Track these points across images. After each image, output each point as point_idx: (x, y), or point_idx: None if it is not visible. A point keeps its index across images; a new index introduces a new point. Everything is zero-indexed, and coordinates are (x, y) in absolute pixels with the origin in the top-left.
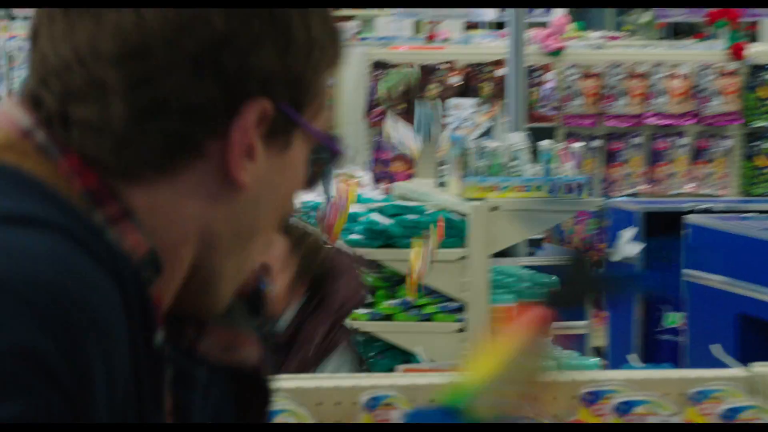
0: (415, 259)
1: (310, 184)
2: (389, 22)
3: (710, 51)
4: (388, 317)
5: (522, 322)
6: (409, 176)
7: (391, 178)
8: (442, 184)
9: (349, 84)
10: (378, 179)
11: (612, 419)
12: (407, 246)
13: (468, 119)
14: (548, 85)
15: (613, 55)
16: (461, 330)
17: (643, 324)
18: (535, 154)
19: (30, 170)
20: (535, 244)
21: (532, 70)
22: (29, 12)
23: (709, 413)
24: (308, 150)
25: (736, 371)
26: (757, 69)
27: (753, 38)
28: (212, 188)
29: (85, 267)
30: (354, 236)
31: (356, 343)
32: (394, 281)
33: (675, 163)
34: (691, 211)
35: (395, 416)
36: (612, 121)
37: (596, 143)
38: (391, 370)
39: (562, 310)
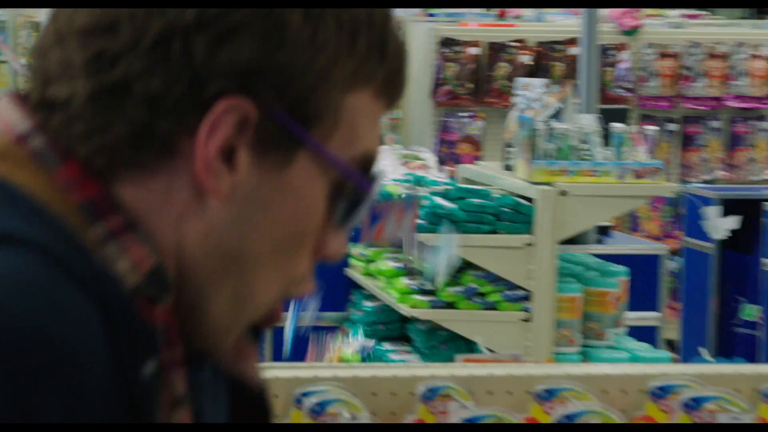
0: None
1: (334, 222)
2: None
3: None
4: (450, 305)
5: None
6: (476, 159)
7: (457, 160)
8: (508, 167)
9: (414, 61)
10: (443, 161)
11: (680, 415)
12: (471, 231)
13: (537, 100)
14: (623, 65)
15: (692, 35)
16: (526, 320)
17: (719, 316)
18: (606, 137)
19: (21, 182)
20: (603, 232)
21: (606, 50)
22: None
23: None
24: (327, 180)
25: None
26: None
27: None
28: (184, 194)
29: (59, 292)
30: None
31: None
32: (458, 268)
33: (755, 148)
34: None
35: (452, 408)
36: (689, 103)
37: (672, 127)
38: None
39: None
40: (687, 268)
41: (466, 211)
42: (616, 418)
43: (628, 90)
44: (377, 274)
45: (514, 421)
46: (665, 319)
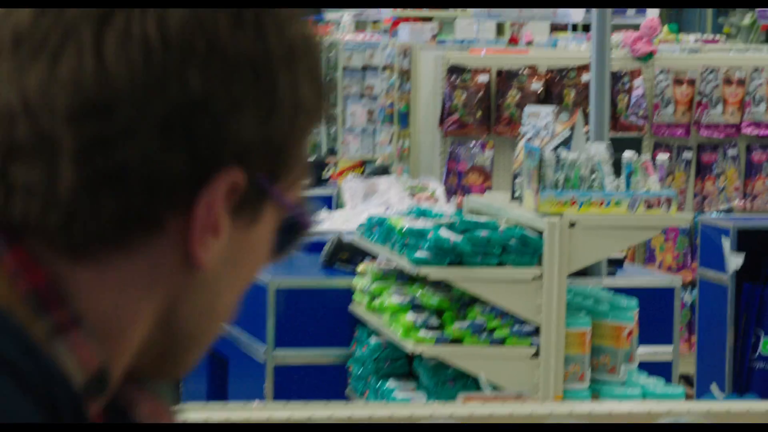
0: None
1: (275, 256)
2: (470, 23)
3: None
4: (456, 341)
5: None
6: (485, 189)
7: (466, 191)
8: (517, 198)
9: (423, 89)
10: (452, 192)
11: None
12: (477, 264)
13: (545, 128)
14: (637, 92)
15: (708, 60)
16: (535, 355)
17: (737, 350)
18: (618, 166)
19: None
20: (616, 264)
21: (620, 76)
22: None
23: None
24: (276, 222)
25: None
26: None
27: None
28: (169, 268)
29: (5, 397)
30: (420, 254)
31: (423, 367)
32: (464, 302)
33: None
34: None
35: None
36: (705, 130)
37: (687, 155)
38: None
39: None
40: (702, 300)
41: (473, 243)
42: None
43: (643, 117)
44: (381, 309)
45: None
46: (680, 354)
